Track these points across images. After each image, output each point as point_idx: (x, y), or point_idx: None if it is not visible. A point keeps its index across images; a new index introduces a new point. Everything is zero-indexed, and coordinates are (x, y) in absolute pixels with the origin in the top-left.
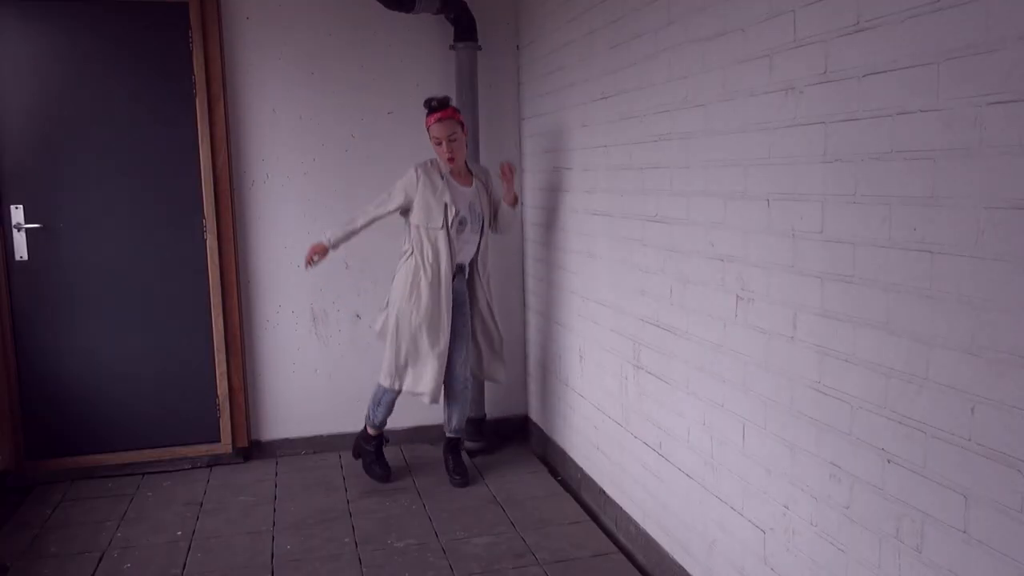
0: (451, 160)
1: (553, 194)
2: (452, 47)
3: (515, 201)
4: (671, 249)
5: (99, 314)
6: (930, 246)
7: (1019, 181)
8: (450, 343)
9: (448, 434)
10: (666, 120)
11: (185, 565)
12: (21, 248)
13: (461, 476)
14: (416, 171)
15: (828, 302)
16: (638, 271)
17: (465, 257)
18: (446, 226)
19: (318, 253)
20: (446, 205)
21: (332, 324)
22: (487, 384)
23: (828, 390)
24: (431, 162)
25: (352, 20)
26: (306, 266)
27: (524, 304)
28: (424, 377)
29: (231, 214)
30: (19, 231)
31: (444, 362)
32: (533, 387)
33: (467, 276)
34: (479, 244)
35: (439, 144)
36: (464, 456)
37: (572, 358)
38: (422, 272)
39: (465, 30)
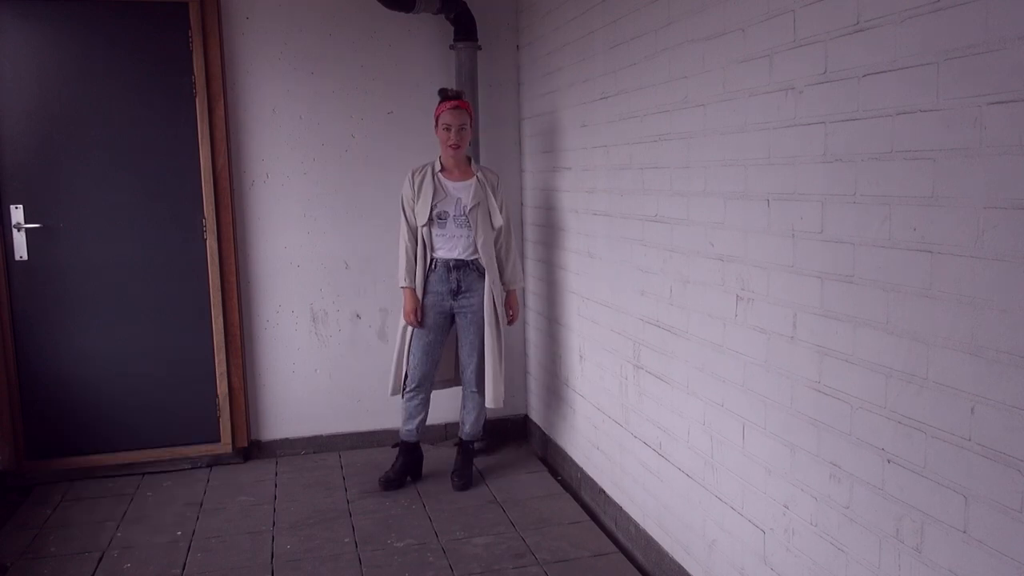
0: (455, 147)
1: (553, 194)
2: (452, 47)
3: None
4: (671, 249)
5: (99, 314)
6: (930, 246)
7: (1019, 181)
8: (457, 342)
9: (461, 436)
10: (666, 120)
11: (185, 565)
12: (21, 248)
13: (460, 479)
14: (410, 177)
15: (828, 302)
16: (638, 271)
17: (458, 252)
18: (428, 222)
19: (416, 306)
20: (430, 200)
21: (332, 324)
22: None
23: (828, 390)
24: (428, 164)
25: (352, 20)
26: (419, 325)
27: (524, 304)
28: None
29: (231, 214)
30: (19, 231)
31: (404, 358)
32: (533, 387)
33: (471, 274)
34: (473, 239)
35: (448, 130)
36: (472, 462)
37: (572, 358)
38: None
39: (465, 30)
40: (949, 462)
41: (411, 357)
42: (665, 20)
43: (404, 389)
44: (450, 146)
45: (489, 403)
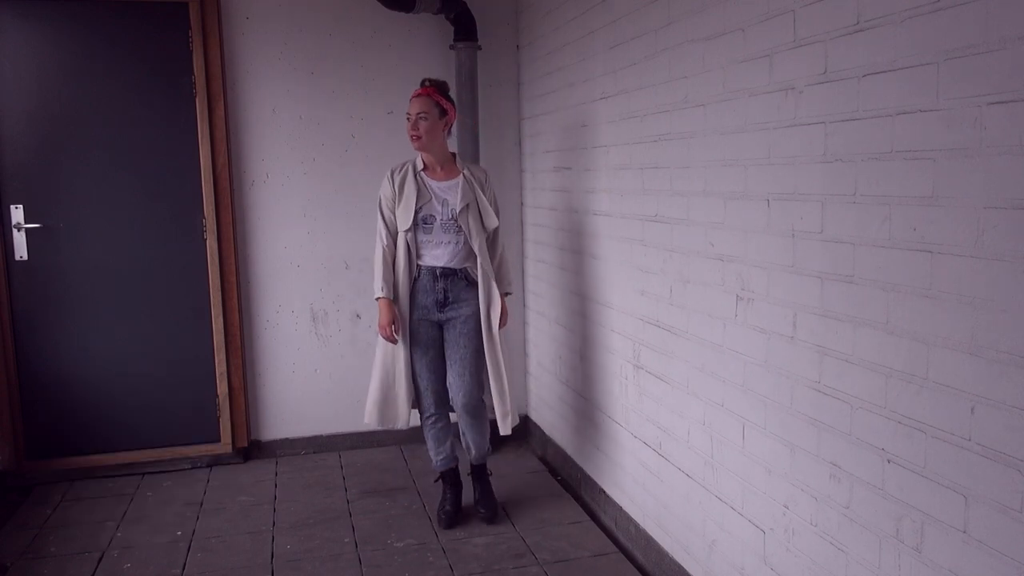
0: (415, 139)
1: (553, 194)
2: (452, 47)
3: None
4: (671, 249)
5: (99, 314)
6: (930, 246)
7: (1019, 181)
8: (445, 358)
9: (471, 461)
10: (666, 120)
11: (185, 565)
12: (21, 248)
13: (487, 510)
14: (389, 176)
15: (828, 302)
16: (638, 271)
17: (446, 260)
18: (413, 226)
19: (392, 319)
20: (414, 202)
21: (332, 324)
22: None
23: (828, 390)
24: (407, 162)
25: (352, 20)
26: (392, 340)
27: (524, 304)
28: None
29: (231, 214)
30: (19, 231)
31: (391, 382)
32: (533, 387)
33: (459, 283)
34: (462, 245)
35: (408, 120)
36: (492, 489)
37: (572, 358)
38: (397, 280)
39: (465, 30)
40: (949, 462)
41: (419, 381)
42: (665, 20)
43: (423, 416)
44: (410, 136)
45: (503, 430)
